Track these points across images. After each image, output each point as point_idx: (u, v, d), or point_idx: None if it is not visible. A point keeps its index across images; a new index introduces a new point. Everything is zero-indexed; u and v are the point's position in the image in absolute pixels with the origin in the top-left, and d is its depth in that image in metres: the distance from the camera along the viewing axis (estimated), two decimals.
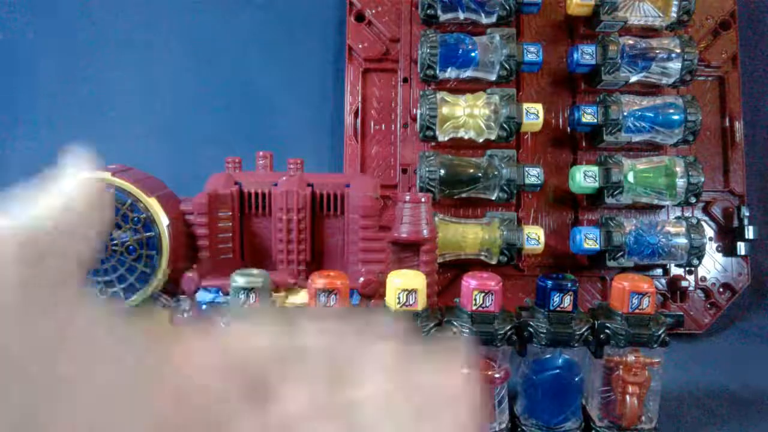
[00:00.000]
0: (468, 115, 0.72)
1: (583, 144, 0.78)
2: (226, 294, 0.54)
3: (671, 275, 0.78)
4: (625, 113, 0.73)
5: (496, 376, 0.51)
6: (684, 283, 0.76)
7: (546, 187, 0.75)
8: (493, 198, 0.72)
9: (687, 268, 0.76)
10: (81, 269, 0.18)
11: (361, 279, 0.59)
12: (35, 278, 0.17)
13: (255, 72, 0.85)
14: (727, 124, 0.80)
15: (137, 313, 0.20)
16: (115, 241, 0.54)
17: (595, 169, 0.72)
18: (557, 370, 0.52)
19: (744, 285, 0.78)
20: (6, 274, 0.16)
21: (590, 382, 0.54)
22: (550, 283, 0.51)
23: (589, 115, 0.73)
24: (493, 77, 0.73)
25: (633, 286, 0.51)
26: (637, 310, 0.51)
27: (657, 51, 0.74)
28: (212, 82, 0.85)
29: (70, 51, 0.85)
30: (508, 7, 0.73)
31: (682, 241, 0.71)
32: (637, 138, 0.74)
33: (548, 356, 0.53)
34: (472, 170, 0.71)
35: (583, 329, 0.51)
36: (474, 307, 0.50)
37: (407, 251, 0.58)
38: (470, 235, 0.70)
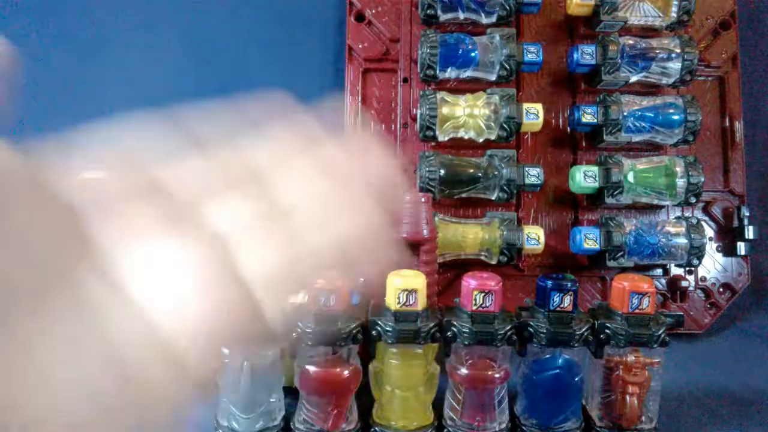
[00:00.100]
0: (468, 115, 0.72)
1: (583, 144, 0.78)
2: None
3: (671, 275, 0.78)
4: (625, 113, 0.73)
5: (496, 376, 0.51)
6: (684, 283, 0.76)
7: (546, 187, 0.75)
8: (493, 198, 0.72)
9: (687, 268, 0.76)
10: None
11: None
12: None
13: (255, 72, 0.85)
14: (727, 124, 0.79)
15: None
16: None
17: (595, 169, 0.72)
18: (557, 370, 0.52)
19: (744, 285, 0.78)
20: None
21: (590, 382, 0.54)
22: (550, 283, 0.51)
23: (589, 115, 0.73)
24: (493, 77, 0.73)
25: (633, 286, 0.51)
26: (637, 310, 0.51)
27: (657, 51, 0.74)
28: (212, 82, 0.85)
29: (70, 51, 0.85)
30: (508, 7, 0.73)
31: (682, 241, 0.71)
32: (637, 138, 0.74)
33: (548, 356, 0.53)
34: (472, 170, 0.71)
35: (583, 329, 0.51)
36: (474, 307, 0.50)
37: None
38: (470, 235, 0.70)
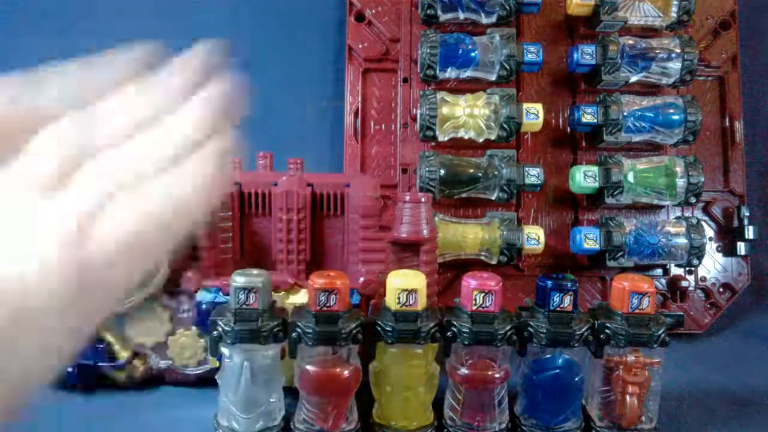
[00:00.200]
0: (468, 115, 0.72)
1: (583, 144, 0.78)
2: (226, 294, 0.54)
3: (671, 275, 0.78)
4: (625, 113, 0.73)
5: (496, 376, 0.51)
6: (684, 283, 0.76)
7: (546, 187, 0.75)
8: (493, 198, 0.72)
9: (687, 268, 0.77)
10: None
11: (361, 279, 0.59)
12: None
13: (255, 72, 0.85)
14: (727, 124, 0.80)
15: None
16: None
17: (595, 169, 0.72)
18: (557, 370, 0.52)
19: (744, 285, 0.78)
20: None
21: (590, 382, 0.54)
22: (550, 283, 0.51)
23: (589, 115, 0.73)
24: (493, 77, 0.73)
25: (633, 286, 0.51)
26: (637, 310, 0.51)
27: (657, 51, 0.74)
28: None
29: (70, 51, 0.84)
30: (508, 7, 0.73)
31: (682, 241, 0.72)
32: (637, 138, 0.74)
33: (548, 356, 0.53)
34: (472, 170, 0.71)
35: (583, 329, 0.51)
36: (474, 307, 0.50)
37: (407, 251, 0.58)
38: (470, 235, 0.70)
